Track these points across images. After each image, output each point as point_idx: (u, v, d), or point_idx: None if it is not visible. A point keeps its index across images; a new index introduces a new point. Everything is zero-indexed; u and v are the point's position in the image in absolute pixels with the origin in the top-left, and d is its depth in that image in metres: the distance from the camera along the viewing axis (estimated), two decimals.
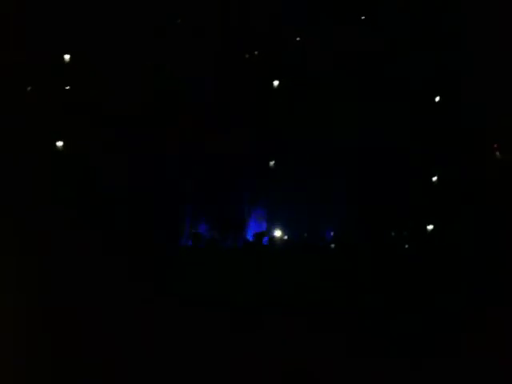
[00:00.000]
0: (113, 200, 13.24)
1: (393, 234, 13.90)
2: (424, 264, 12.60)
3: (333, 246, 13.86)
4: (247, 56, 14.60)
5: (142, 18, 14.12)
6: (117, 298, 11.71)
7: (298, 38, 14.61)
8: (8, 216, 12.05)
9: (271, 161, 14.43)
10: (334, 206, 14.41)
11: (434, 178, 14.11)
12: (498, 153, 14.08)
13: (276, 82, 14.53)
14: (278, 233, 14.16)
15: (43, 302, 11.37)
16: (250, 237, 14.14)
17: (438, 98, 14.39)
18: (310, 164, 14.34)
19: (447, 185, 13.96)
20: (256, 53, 14.60)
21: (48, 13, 13.88)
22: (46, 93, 13.63)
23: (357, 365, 10.82)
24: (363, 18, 14.63)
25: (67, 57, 13.89)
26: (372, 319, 11.83)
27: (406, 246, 13.37)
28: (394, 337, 11.45)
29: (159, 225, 13.66)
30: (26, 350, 10.63)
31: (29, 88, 13.67)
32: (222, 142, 14.12)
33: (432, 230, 13.50)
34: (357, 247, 13.48)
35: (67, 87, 13.86)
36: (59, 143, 13.44)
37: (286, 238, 14.24)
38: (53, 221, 12.36)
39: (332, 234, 14.44)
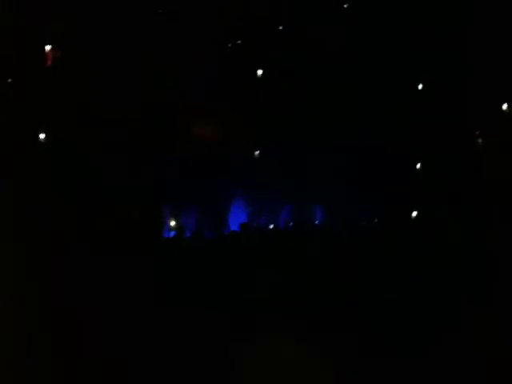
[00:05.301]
0: (108, 198, 13.25)
1: (383, 226, 14.05)
2: (421, 261, 12.68)
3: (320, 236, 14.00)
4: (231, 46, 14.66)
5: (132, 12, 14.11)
6: (115, 298, 11.70)
7: (280, 27, 14.69)
8: (7, 216, 12.04)
9: (256, 151, 14.49)
10: (321, 194, 14.52)
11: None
12: (480, 140, 14.23)
13: (260, 72, 14.59)
14: (263, 222, 14.30)
15: (42, 302, 11.35)
16: (236, 228, 14.23)
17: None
18: (297, 155, 14.40)
19: (442, 181, 14.07)
20: (239, 42, 14.67)
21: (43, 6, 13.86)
22: (44, 92, 13.63)
23: (357, 365, 10.85)
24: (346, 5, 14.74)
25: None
26: (369, 316, 11.89)
27: (399, 242, 13.44)
28: (394, 336, 11.49)
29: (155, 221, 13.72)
30: (26, 350, 10.61)
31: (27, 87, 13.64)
32: (208, 134, 14.18)
33: (428, 227, 13.60)
34: (344, 238, 13.61)
35: (63, 85, 13.85)
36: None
37: (271, 226, 14.38)
38: (52, 220, 12.37)
39: (317, 222, 14.58)
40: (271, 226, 14.49)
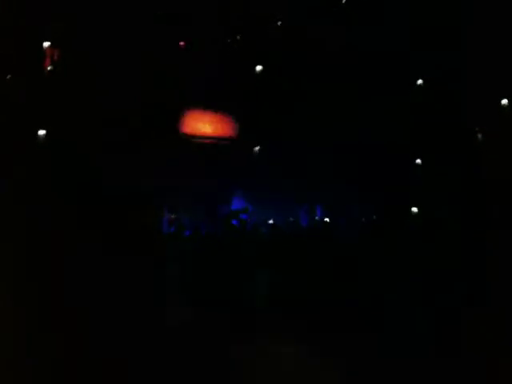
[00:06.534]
0: (107, 198, 13.24)
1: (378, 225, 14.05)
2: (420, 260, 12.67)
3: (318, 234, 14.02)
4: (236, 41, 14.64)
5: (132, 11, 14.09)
6: (115, 297, 11.69)
7: (279, 23, 14.69)
8: (7, 216, 12.02)
9: (256, 147, 14.48)
10: (321, 194, 14.50)
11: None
12: (480, 135, 14.23)
13: (259, 67, 14.58)
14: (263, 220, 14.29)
15: (42, 302, 11.34)
16: (235, 223, 14.22)
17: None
18: (297, 154, 14.39)
19: (441, 181, 14.07)
20: (238, 38, 14.66)
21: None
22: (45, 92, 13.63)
23: (357, 365, 10.82)
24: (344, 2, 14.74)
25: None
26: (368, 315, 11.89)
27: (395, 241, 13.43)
28: (393, 336, 11.47)
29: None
30: (26, 350, 10.59)
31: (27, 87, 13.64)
32: (208, 129, 14.18)
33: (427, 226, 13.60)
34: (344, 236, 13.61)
35: (63, 85, 13.85)
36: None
37: (271, 222, 14.36)
38: (52, 220, 12.36)
39: (317, 222, 14.60)
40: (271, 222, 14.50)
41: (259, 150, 14.55)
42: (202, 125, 14.39)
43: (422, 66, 14.38)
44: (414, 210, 13.97)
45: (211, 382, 10.71)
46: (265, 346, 10.94)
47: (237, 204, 14.67)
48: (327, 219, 14.56)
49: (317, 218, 14.80)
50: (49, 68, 13.81)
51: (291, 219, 14.68)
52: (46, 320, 10.96)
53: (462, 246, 12.65)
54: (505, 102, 14.17)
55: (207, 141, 14.36)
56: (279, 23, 14.62)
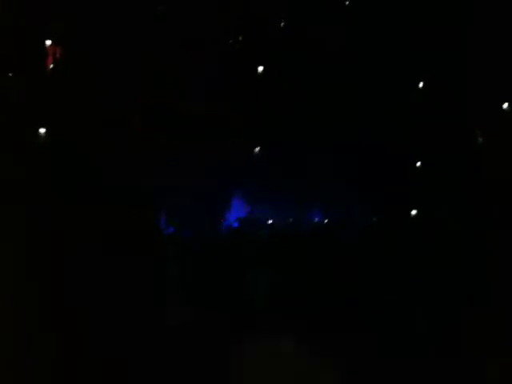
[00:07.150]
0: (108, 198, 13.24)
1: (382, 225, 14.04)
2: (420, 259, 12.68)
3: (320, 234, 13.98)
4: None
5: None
6: (114, 298, 11.69)
7: (282, 24, 14.66)
8: (7, 216, 12.02)
9: (256, 149, 14.49)
10: (320, 194, 14.50)
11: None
12: (480, 139, 14.22)
13: (260, 68, 14.58)
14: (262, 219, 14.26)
15: (42, 302, 11.35)
16: (234, 224, 14.20)
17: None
18: (296, 154, 14.40)
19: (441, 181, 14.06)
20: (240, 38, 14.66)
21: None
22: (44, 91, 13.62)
23: (357, 365, 10.83)
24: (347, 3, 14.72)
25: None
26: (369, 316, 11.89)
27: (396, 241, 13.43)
28: (393, 336, 11.47)
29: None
30: (26, 350, 10.60)
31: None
32: (208, 130, 14.18)
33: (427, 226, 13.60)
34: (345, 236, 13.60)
35: (63, 85, 13.84)
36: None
37: (270, 222, 14.35)
38: (52, 220, 12.35)
39: (316, 222, 14.58)
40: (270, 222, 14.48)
41: (259, 149, 14.55)
42: (202, 125, 14.39)
43: (422, 66, 14.36)
44: (414, 210, 13.97)
45: (211, 382, 10.73)
46: (265, 345, 10.96)
47: (236, 205, 14.67)
48: (327, 219, 14.57)
49: (317, 217, 14.80)
50: (49, 67, 13.80)
51: (291, 219, 14.68)
52: (46, 320, 10.97)
53: (462, 246, 12.65)
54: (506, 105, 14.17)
55: (207, 141, 14.35)
56: (281, 24, 14.59)
